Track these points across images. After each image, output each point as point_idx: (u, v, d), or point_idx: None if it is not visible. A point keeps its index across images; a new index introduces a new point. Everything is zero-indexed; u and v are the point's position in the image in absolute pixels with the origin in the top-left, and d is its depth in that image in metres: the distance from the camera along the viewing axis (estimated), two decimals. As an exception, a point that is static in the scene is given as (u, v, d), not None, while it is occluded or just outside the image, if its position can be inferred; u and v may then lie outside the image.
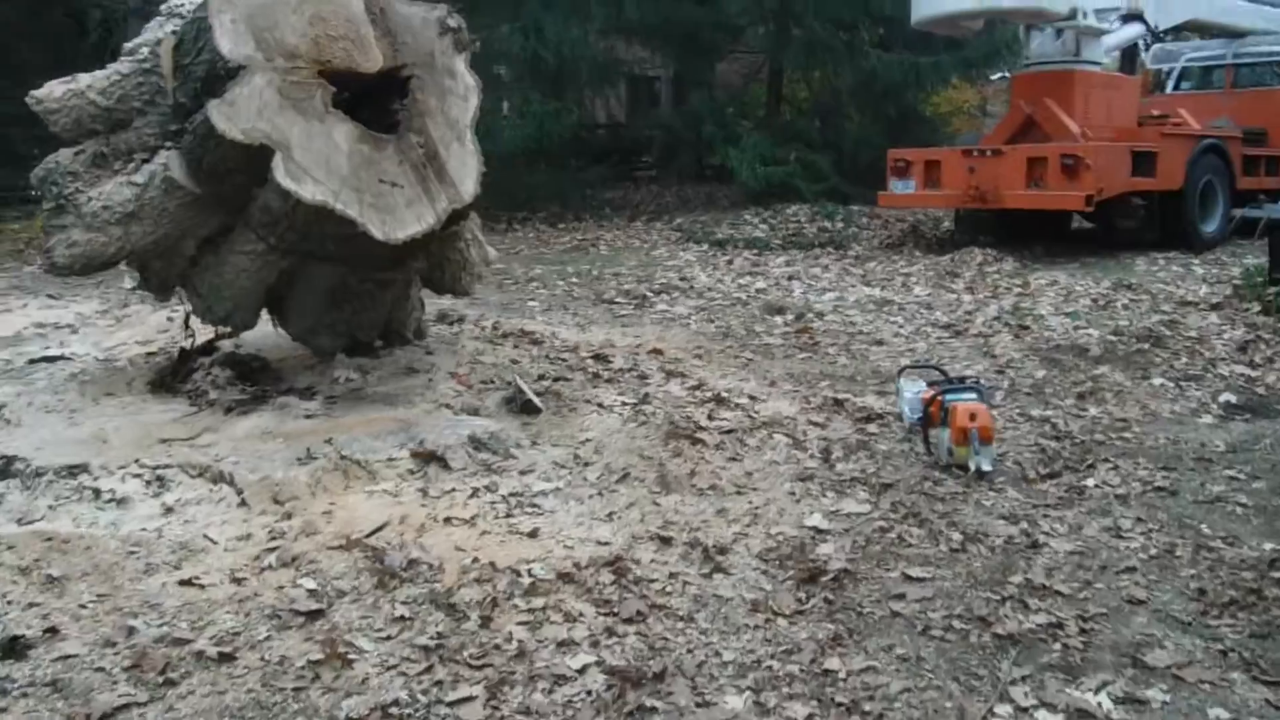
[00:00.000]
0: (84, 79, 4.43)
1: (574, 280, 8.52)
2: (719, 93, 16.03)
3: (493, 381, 4.54)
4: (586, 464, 3.68)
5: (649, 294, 7.48)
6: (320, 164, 3.92)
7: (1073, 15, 9.88)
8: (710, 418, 4.19)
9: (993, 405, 4.39)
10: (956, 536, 2.93)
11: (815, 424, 4.13)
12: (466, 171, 4.31)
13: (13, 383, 4.64)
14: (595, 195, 15.19)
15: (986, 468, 3.43)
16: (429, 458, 3.58)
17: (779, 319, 6.49)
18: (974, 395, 3.65)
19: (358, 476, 3.51)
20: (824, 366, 5.27)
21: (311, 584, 2.77)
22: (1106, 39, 10.77)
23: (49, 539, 3.01)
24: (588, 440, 3.96)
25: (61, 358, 5.17)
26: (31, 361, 5.14)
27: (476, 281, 5.25)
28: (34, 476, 3.56)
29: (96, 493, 3.42)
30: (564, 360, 5.09)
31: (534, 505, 3.23)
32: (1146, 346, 5.39)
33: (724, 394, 4.52)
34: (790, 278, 8.16)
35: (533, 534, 3.02)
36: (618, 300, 7.31)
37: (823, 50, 14.18)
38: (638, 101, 20.84)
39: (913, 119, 15.36)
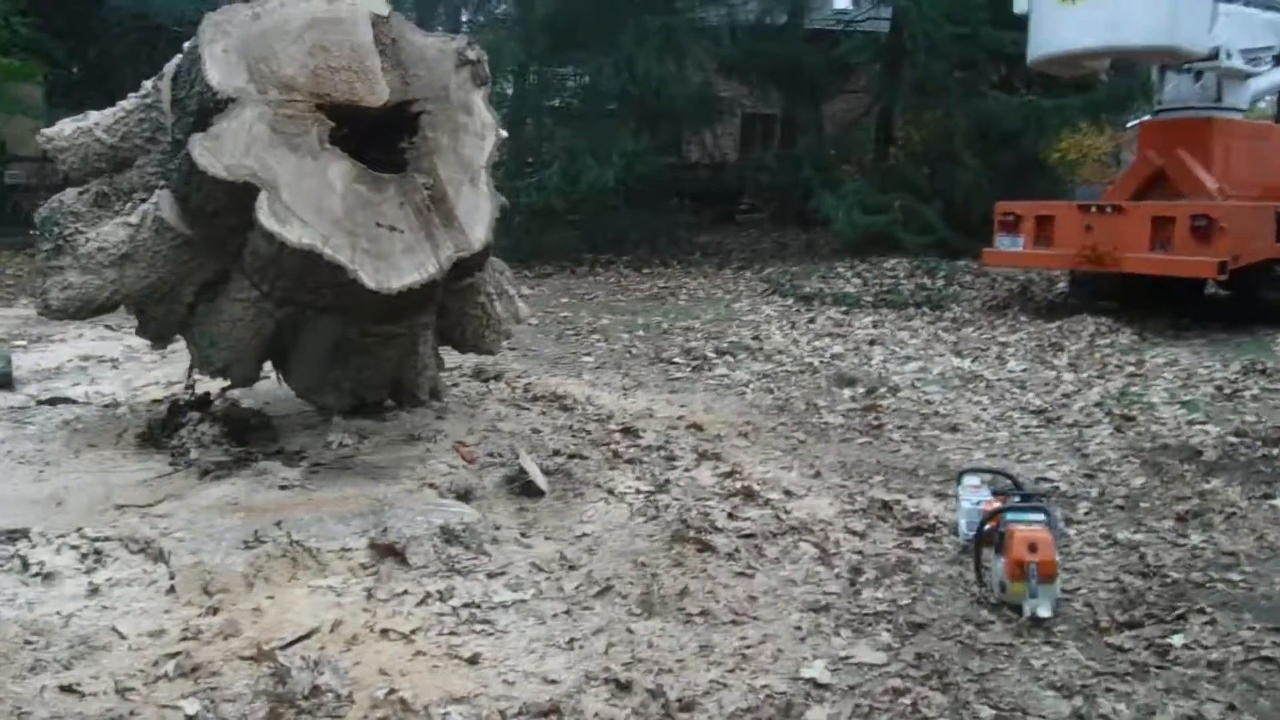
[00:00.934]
0: (93, 116, 4.25)
1: (639, 334, 8.11)
2: (826, 134, 15.52)
3: (501, 455, 4.14)
4: (570, 567, 3.23)
5: (711, 355, 7.02)
6: (310, 205, 3.61)
7: (1214, 55, 9.00)
8: (731, 516, 3.71)
9: (1070, 522, 3.80)
10: (986, 714, 2.39)
11: (852, 532, 3.60)
12: (478, 216, 3.96)
13: (6, 427, 4.44)
14: (687, 239, 14.81)
15: (1044, 614, 2.87)
16: (387, 551, 3.19)
17: (847, 392, 5.95)
18: (1040, 518, 3.09)
19: (306, 566, 3.14)
20: (883, 455, 4.72)
21: (195, 707, 2.39)
22: (1255, 83, 9.81)
23: (-56, 619, 2.71)
24: (583, 535, 3.52)
25: (66, 400, 4.98)
26: (39, 402, 4.96)
27: (503, 340, 4.89)
28: (-30, 539, 3.31)
29: (25, 564, 3.13)
30: (589, 433, 4.67)
31: (487, 621, 2.80)
32: (1274, 453, 4.68)
33: (756, 485, 4.03)
34: (872, 341, 7.58)
35: (473, 660, 2.59)
36: (676, 360, 6.86)
37: (935, 90, 13.56)
38: (751, 140, 20.42)
39: (1033, 167, 14.54)
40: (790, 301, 9.96)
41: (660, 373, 6.48)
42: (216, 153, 3.53)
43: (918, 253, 12.00)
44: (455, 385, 5.41)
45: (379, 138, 4.02)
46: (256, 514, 3.49)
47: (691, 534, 3.48)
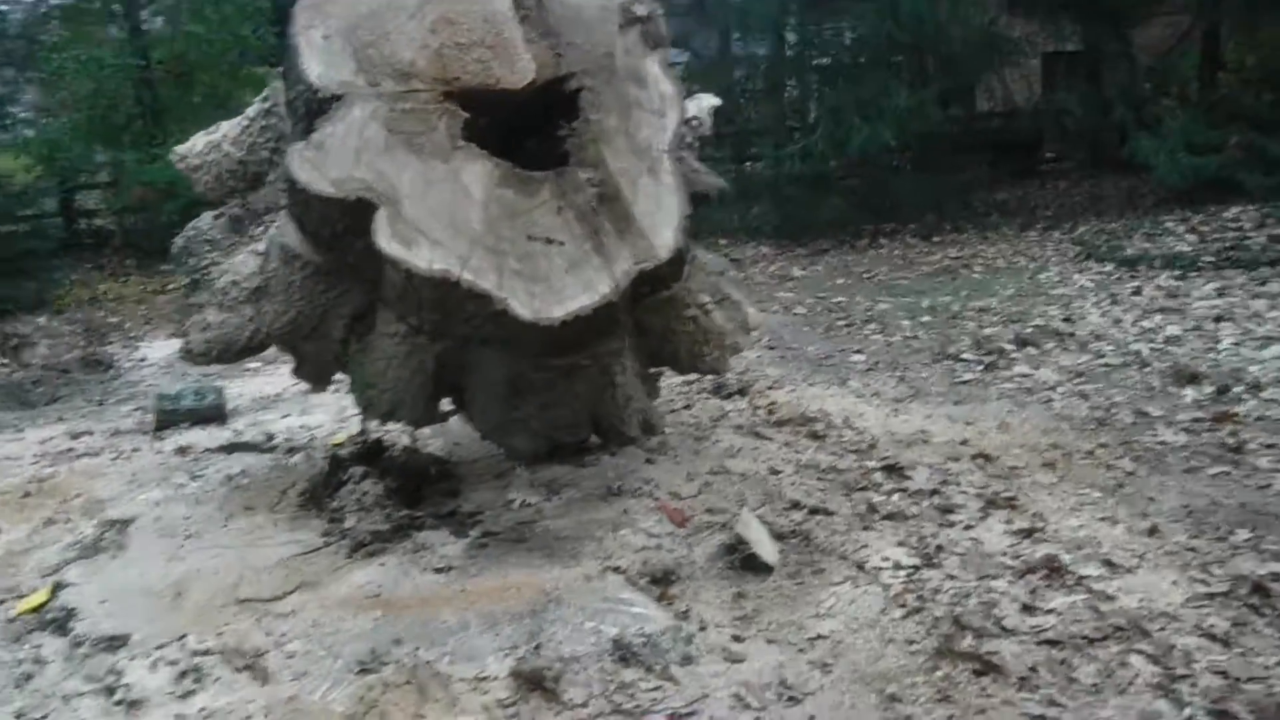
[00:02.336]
0: (224, 126, 3.78)
1: (923, 321, 6.99)
2: (1140, 66, 13.44)
3: (721, 512, 3.31)
4: (790, 699, 2.35)
5: (1009, 346, 5.81)
6: (441, 219, 2.92)
7: None
8: (1028, 608, 2.68)
9: None
10: None
11: (1210, 636, 2.48)
12: (664, 216, 3.12)
13: (165, 486, 4.09)
14: (982, 199, 13.26)
15: None
16: (534, 681, 2.42)
17: (1189, 394, 4.62)
18: None
19: (433, 699, 2.44)
20: (1247, 493, 3.47)
21: None
22: None
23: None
24: (816, 639, 2.62)
25: (244, 446, 4.61)
26: (212, 449, 4.61)
27: (730, 355, 4.02)
28: (74, 646, 2.88)
29: (112, 688, 2.64)
30: (841, 472, 3.73)
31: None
32: None
33: (1065, 552, 2.96)
34: (1219, 318, 6.06)
35: None
36: (964, 356, 5.72)
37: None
38: (1053, 82, 18.31)
39: None
40: (1109, 268, 8.42)
41: (944, 375, 5.38)
42: (320, 165, 2.89)
43: (1266, 197, 9.96)
44: (688, 406, 4.61)
45: (529, 126, 3.28)
46: (396, 611, 2.86)
47: (967, 642, 2.49)
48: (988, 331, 6.36)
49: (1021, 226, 11.68)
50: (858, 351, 6.08)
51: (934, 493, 3.51)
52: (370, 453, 3.79)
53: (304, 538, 3.43)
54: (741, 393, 4.90)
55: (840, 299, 8.12)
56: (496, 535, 3.29)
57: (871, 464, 3.82)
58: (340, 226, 3.05)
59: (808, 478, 3.69)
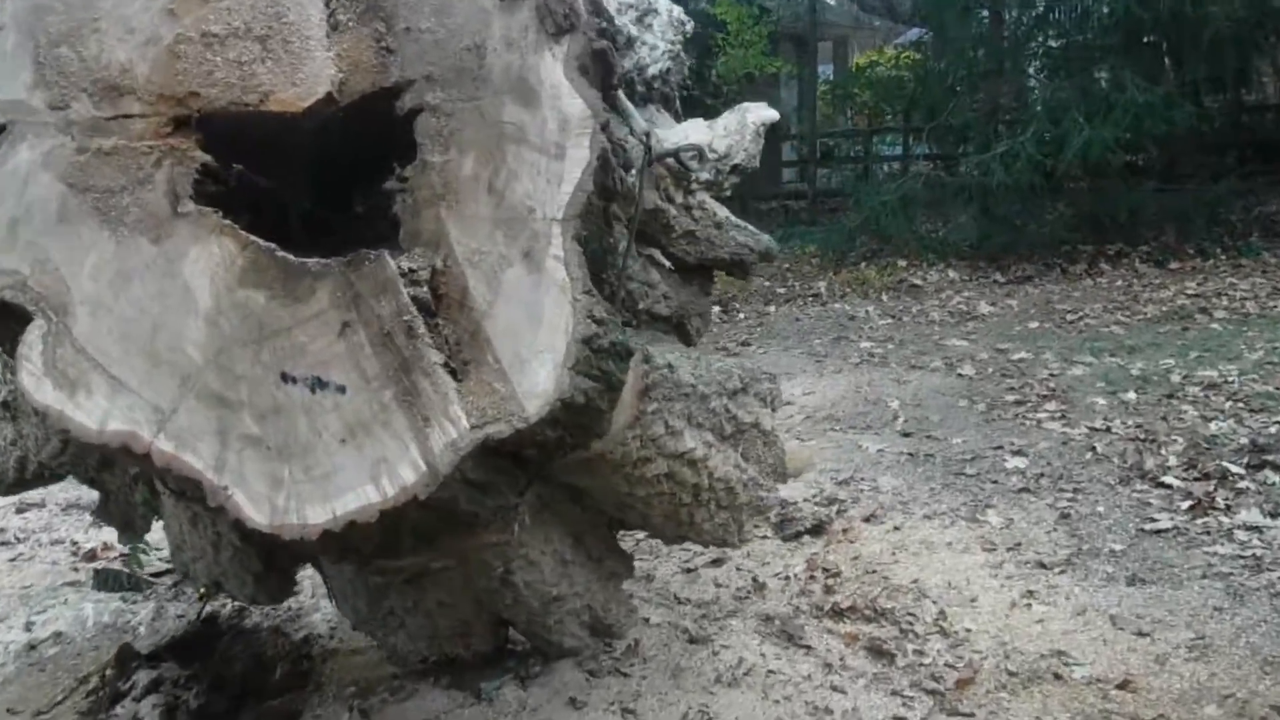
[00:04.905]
0: None
1: (1125, 399, 5.33)
2: None
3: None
4: None
5: (1235, 468, 4.12)
6: (136, 342, 1.74)
7: None
8: None
9: None
10: None
11: None
12: (543, 337, 1.83)
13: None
14: (1241, 216, 11.06)
15: None
16: None
17: None
18: None
19: None
20: None
21: None
22: None
23: None
24: None
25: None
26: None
27: (751, 517, 2.71)
28: None
29: None
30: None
31: None
32: None
33: None
34: None
35: None
36: (1166, 480, 4.06)
37: None
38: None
39: None
40: None
41: (1127, 514, 3.78)
42: (-64, 246, 1.75)
43: None
44: (716, 562, 3.27)
45: (338, 171, 2.04)
46: None
47: None
48: (1213, 429, 4.66)
49: (1288, 253, 9.56)
50: (1018, 453, 4.52)
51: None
52: (187, 641, 2.66)
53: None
54: (817, 531, 3.51)
55: (1024, 355, 6.47)
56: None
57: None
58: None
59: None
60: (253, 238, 1.77)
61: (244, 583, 2.41)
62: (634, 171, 2.24)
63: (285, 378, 1.74)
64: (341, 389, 1.75)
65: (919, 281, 9.61)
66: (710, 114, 2.96)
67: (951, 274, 9.89)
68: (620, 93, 2.33)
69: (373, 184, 1.99)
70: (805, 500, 3.85)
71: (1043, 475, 4.21)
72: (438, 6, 1.89)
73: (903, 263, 10.29)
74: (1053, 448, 4.56)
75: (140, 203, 1.78)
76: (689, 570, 3.18)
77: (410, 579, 2.17)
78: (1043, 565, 3.28)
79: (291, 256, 1.78)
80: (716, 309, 8.84)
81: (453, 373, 1.79)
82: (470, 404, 1.77)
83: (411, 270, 1.80)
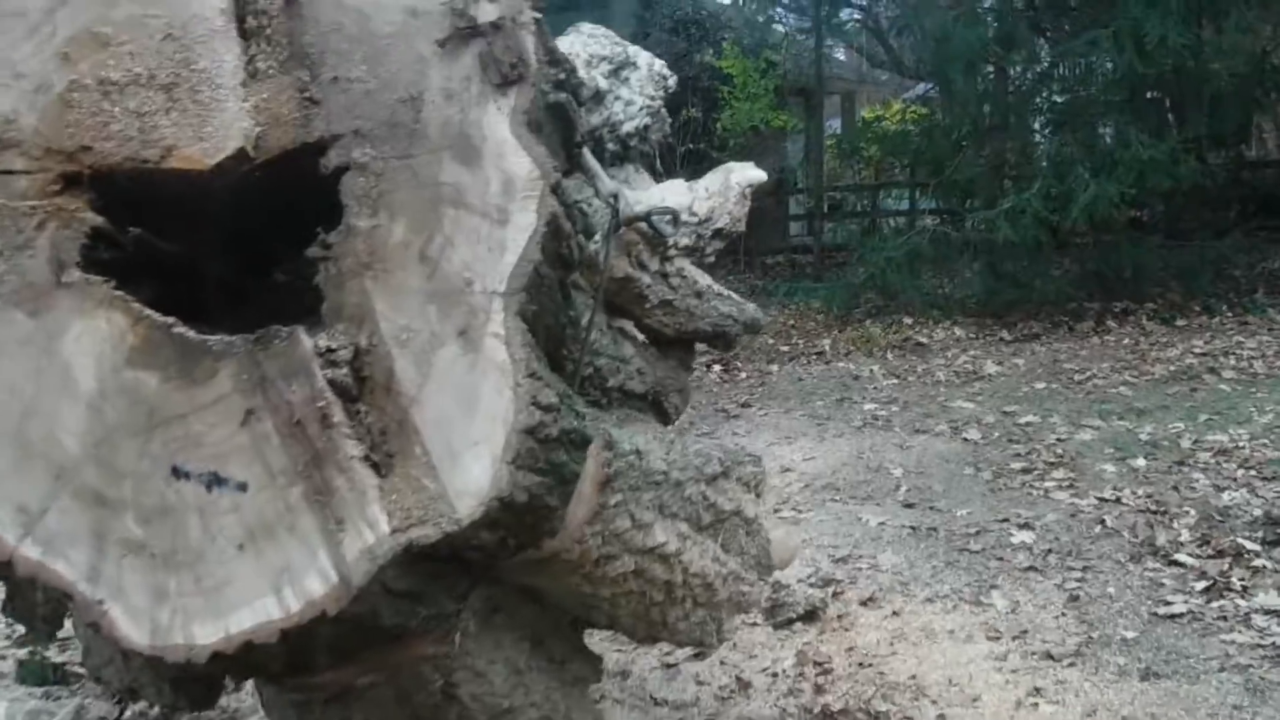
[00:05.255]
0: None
1: (1135, 467, 5.08)
2: None
3: None
4: None
5: (1250, 544, 3.86)
6: (4, 431, 1.51)
7: None
8: None
9: None
10: None
11: None
12: (477, 429, 1.59)
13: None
14: (1244, 272, 10.86)
15: None
16: None
17: None
18: None
19: None
20: None
21: None
22: None
23: None
24: None
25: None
26: None
27: (733, 614, 2.47)
28: None
29: None
30: None
31: None
32: None
33: None
34: None
35: None
36: (1179, 558, 3.80)
37: None
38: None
39: None
40: None
41: (1140, 595, 3.51)
42: None
43: None
44: (698, 655, 3.01)
45: (263, 235, 1.83)
46: None
47: None
48: (1225, 499, 4.42)
49: (1301, 308, 9.35)
50: (1025, 526, 4.26)
51: None
52: None
53: None
54: (810, 617, 3.25)
55: (1031, 419, 6.22)
56: None
57: None
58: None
59: None
60: (147, 311, 1.55)
61: (161, 690, 2.16)
62: (599, 237, 2.02)
63: (177, 473, 1.50)
64: (242, 486, 1.52)
65: (924, 339, 9.38)
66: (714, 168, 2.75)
67: (958, 331, 9.66)
68: (586, 151, 2.12)
69: (299, 251, 1.77)
70: (800, 581, 3.60)
71: (1050, 551, 3.96)
72: (370, 54, 1.68)
73: (908, 320, 10.07)
74: (1061, 520, 4.30)
75: (18, 270, 1.56)
76: (669, 665, 2.92)
77: (334, 697, 1.93)
78: (1050, 656, 3.01)
79: (192, 333, 1.56)
80: (717, 368, 8.62)
81: (375, 467, 1.56)
82: (393, 503, 1.54)
83: (330, 350, 1.58)
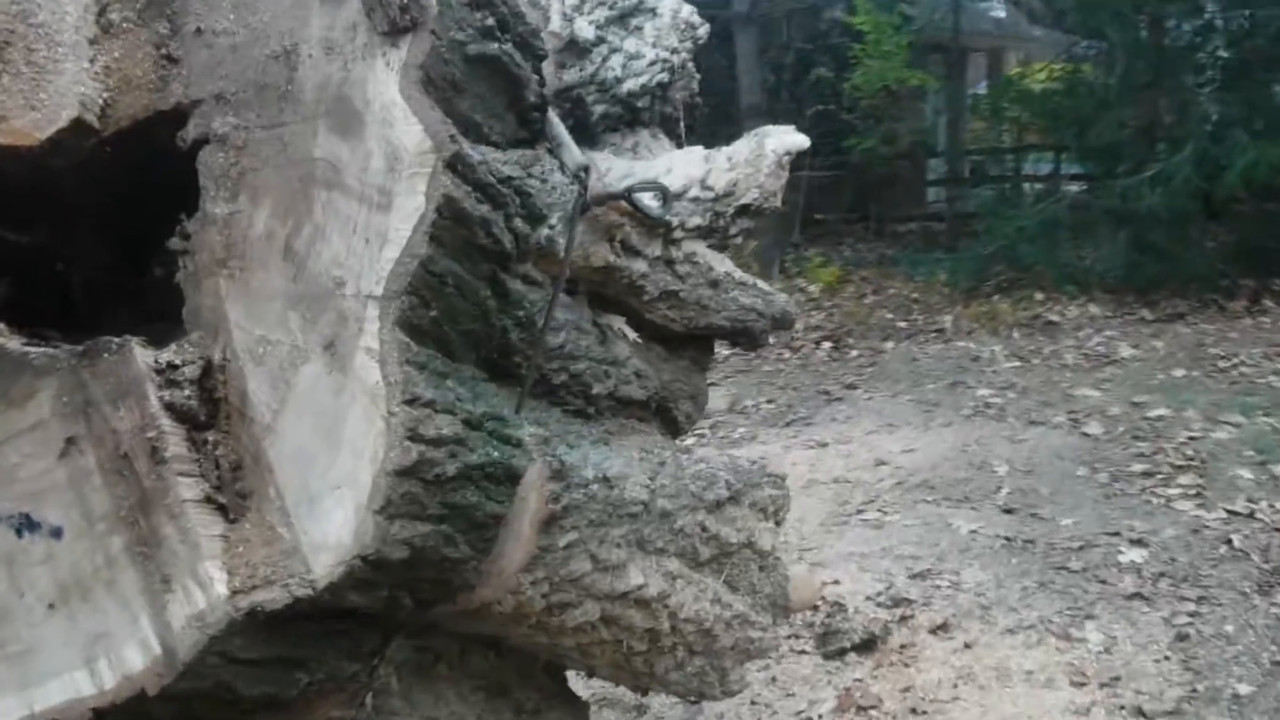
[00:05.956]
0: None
1: (1276, 474, 4.49)
2: None
3: None
4: None
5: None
6: None
7: None
8: None
9: None
10: None
11: None
12: (344, 464, 1.29)
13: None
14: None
15: None
16: None
17: None
18: None
19: None
20: None
21: None
22: None
23: None
24: None
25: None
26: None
27: (741, 663, 2.14)
28: None
29: None
30: None
31: None
32: None
33: None
34: None
35: None
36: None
37: None
38: None
39: None
40: None
41: (1265, 636, 3.02)
42: None
43: None
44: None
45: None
46: None
47: None
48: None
49: None
50: (1137, 542, 3.77)
51: None
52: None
53: None
54: (867, 646, 2.88)
55: (1163, 413, 5.62)
56: None
57: None
58: None
59: None
60: (-44, 319, 1.29)
61: None
62: (556, 219, 1.69)
63: (-24, 516, 1.25)
64: (57, 532, 1.26)
65: (1055, 318, 8.73)
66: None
67: (1093, 309, 8.97)
68: (553, 116, 1.79)
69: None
70: (867, 599, 3.23)
71: (1163, 575, 3.47)
72: (244, 5, 1.38)
73: (1040, 295, 9.40)
74: (1180, 537, 3.80)
75: None
76: (692, 702, 2.59)
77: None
78: (1142, 714, 2.57)
79: (10, 343, 1.29)
80: (827, 345, 8.18)
81: (223, 510, 1.28)
82: (238, 557, 1.26)
83: (172, 366, 1.30)
